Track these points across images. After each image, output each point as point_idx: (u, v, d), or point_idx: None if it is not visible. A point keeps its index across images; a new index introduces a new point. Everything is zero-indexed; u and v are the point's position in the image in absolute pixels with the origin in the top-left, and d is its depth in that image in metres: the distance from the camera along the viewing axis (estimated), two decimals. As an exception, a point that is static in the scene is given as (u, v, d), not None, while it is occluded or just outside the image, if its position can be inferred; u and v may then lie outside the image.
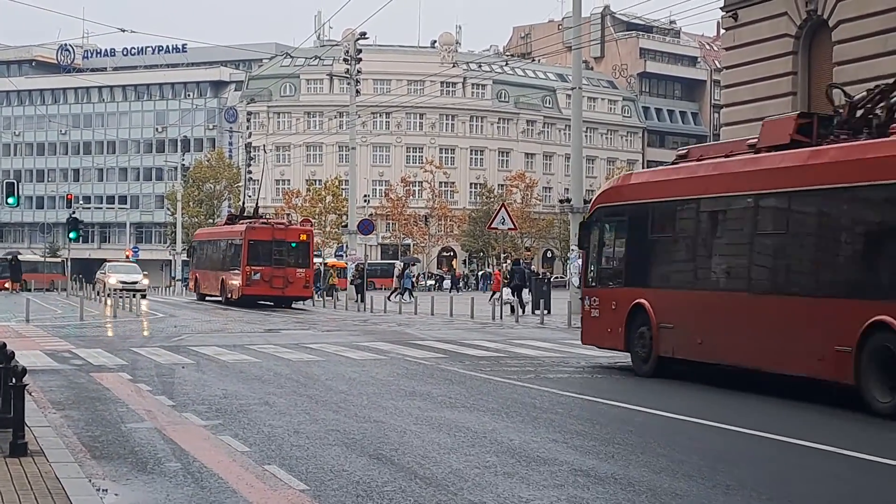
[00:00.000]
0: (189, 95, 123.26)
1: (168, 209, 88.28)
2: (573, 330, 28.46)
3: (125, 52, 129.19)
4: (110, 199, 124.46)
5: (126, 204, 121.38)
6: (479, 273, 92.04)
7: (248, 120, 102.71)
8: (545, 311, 34.70)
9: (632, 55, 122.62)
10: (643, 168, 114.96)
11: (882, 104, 15.31)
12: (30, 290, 67.16)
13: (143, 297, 53.19)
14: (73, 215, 55.22)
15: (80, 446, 11.04)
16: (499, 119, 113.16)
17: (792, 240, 15.86)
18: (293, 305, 45.69)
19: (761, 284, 16.28)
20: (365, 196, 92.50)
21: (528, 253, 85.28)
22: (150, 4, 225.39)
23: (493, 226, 37.49)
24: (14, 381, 10.33)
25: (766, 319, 15.82)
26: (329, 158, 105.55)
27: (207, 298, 50.94)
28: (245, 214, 51.34)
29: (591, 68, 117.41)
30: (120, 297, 42.65)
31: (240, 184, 78.75)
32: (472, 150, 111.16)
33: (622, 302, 19.20)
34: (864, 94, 15.69)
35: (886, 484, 9.95)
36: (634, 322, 18.76)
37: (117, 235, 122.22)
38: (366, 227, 51.55)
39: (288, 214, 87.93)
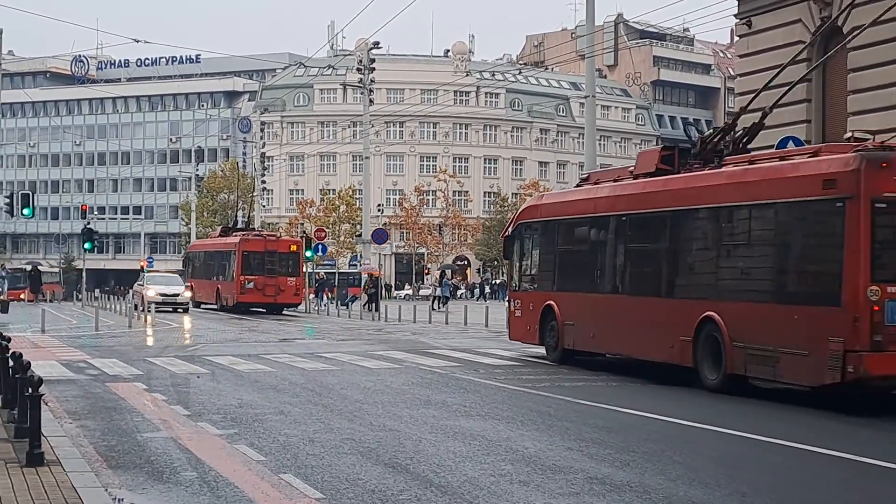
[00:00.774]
0: (203, 106, 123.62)
1: (182, 219, 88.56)
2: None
3: (139, 63, 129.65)
4: (125, 210, 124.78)
5: (140, 214, 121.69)
6: (496, 282, 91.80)
7: (262, 130, 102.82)
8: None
9: (645, 63, 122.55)
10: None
11: (727, 138, 19.21)
12: (50, 301, 67.36)
13: (185, 311, 47.02)
14: (88, 226, 55.40)
15: (97, 456, 11.07)
16: (512, 128, 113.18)
17: (651, 252, 19.76)
18: (284, 312, 48.94)
19: (631, 289, 20.03)
20: (379, 205, 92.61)
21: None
22: (163, 15, 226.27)
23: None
24: (30, 390, 10.36)
25: (635, 317, 19.54)
26: (343, 168, 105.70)
27: (202, 306, 52.95)
28: (238, 227, 55.25)
29: (605, 76, 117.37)
30: (158, 310, 42.11)
31: (254, 194, 78.96)
32: (485, 159, 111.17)
33: (536, 304, 23.03)
34: (712, 130, 19.95)
35: (904, 491, 9.90)
36: (546, 320, 22.55)
37: (132, 246, 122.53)
38: (380, 236, 51.61)
39: (302, 224, 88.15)
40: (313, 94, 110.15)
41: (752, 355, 16.34)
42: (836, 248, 15.00)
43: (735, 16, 31.31)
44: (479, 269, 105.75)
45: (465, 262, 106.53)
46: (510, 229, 25.27)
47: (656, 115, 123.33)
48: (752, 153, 18.62)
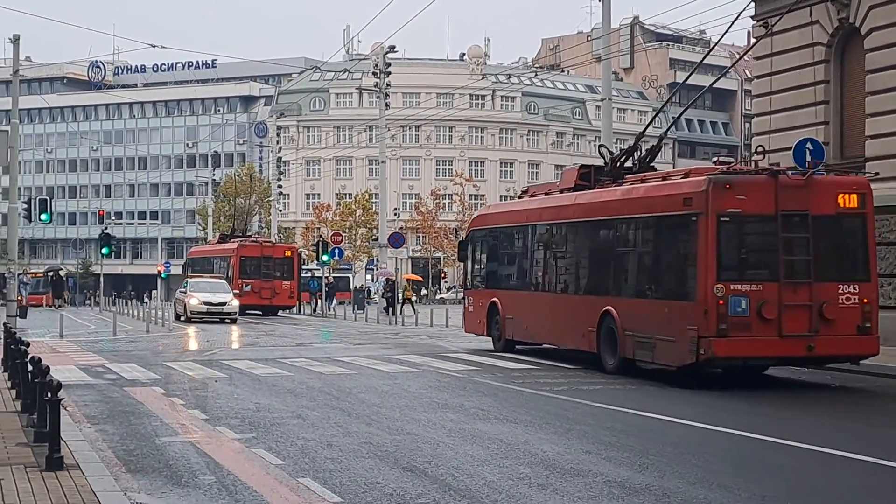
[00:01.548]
0: (219, 110, 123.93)
1: (199, 224, 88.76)
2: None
3: (155, 69, 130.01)
4: (142, 215, 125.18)
5: (157, 219, 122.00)
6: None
7: (278, 134, 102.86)
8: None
9: (661, 66, 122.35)
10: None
11: (634, 157, 22.70)
12: (75, 306, 67.55)
13: (234, 321, 42.50)
14: (106, 231, 55.53)
15: (115, 460, 11.10)
16: (528, 131, 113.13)
17: (567, 255, 23.47)
18: (279, 313, 51.86)
19: (553, 287, 23.64)
20: (395, 209, 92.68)
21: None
22: (179, 20, 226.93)
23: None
24: (49, 395, 10.39)
25: (556, 311, 23.12)
26: (359, 172, 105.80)
27: None
28: (236, 234, 58.32)
29: (621, 79, 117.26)
30: (204, 321, 40.63)
31: (270, 198, 79.17)
32: (501, 163, 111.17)
33: (484, 300, 26.67)
34: (619, 151, 23.48)
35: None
36: (492, 315, 26.17)
37: (149, 251, 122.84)
38: (396, 240, 51.61)
39: (318, 228, 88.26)
40: (329, 98, 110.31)
41: (638, 342, 19.59)
42: (691, 254, 18.30)
43: (752, 17, 31.22)
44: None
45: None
46: (464, 235, 29.02)
47: (672, 117, 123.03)
48: (647, 173, 21.83)
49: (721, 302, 17.47)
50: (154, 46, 55.55)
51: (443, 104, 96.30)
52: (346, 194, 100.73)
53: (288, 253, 53.58)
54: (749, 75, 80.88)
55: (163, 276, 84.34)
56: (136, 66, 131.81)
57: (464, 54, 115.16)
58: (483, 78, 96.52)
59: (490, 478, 10.04)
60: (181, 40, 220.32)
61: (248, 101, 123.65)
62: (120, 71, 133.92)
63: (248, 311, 49.30)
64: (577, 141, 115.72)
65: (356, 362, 22.70)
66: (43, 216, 37.29)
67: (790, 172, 18.60)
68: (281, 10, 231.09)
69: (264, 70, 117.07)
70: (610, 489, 9.53)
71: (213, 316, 42.24)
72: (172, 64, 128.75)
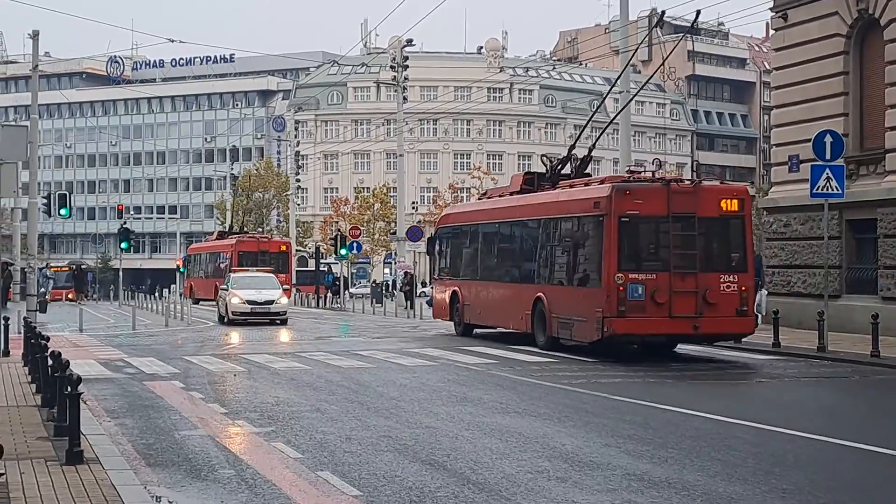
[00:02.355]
0: (237, 105, 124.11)
1: (217, 218, 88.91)
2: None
3: (174, 63, 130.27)
4: (160, 209, 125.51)
5: (176, 213, 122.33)
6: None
7: (296, 128, 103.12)
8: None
9: (680, 58, 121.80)
10: (692, 171, 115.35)
11: (568, 164, 27.10)
12: (97, 300, 67.79)
13: (284, 323, 36.76)
14: (125, 225, 55.65)
15: (135, 454, 11.13)
16: (546, 124, 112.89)
17: (510, 250, 27.42)
18: None
19: (500, 277, 27.38)
20: (413, 203, 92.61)
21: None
22: (197, 15, 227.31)
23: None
24: (69, 389, 10.42)
25: (502, 298, 26.87)
26: (377, 166, 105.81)
27: (201, 302, 55.40)
28: (234, 231, 62.12)
29: (639, 72, 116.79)
30: (248, 322, 35.94)
31: (289, 192, 79.29)
32: (519, 156, 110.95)
33: (448, 289, 30.34)
34: (559, 158, 27.62)
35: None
36: (454, 302, 29.73)
37: (167, 245, 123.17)
38: (414, 233, 51.64)
39: (336, 222, 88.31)
40: (347, 92, 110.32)
41: (561, 322, 23.17)
42: (599, 248, 21.80)
43: (771, 9, 31.09)
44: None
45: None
46: (433, 232, 33.22)
47: (691, 109, 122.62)
48: (579, 179, 25.53)
49: (621, 288, 21.02)
50: (172, 41, 55.82)
51: (460, 97, 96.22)
52: (363, 188, 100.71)
53: (283, 248, 57.59)
54: (768, 67, 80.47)
55: (181, 270, 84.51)
56: (155, 61, 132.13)
57: (481, 47, 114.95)
58: (501, 71, 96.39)
59: (509, 471, 10.03)
60: (199, 35, 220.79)
61: (265, 95, 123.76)
62: (138, 66, 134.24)
63: None
64: (595, 133, 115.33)
65: (375, 356, 22.71)
66: (62, 211, 37.43)
67: (680, 182, 22.65)
68: (298, 4, 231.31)
69: (282, 64, 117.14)
70: (629, 482, 9.50)
71: (259, 317, 36.31)
72: (190, 58, 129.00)
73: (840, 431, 12.32)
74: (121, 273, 66.03)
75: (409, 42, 55.11)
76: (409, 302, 48.07)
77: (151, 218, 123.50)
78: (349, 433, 12.33)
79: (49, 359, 13.16)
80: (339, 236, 56.94)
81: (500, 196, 28.81)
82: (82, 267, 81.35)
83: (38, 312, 33.01)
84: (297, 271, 67.80)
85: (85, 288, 72.28)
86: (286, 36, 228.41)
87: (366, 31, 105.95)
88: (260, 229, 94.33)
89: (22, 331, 23.29)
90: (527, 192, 26.58)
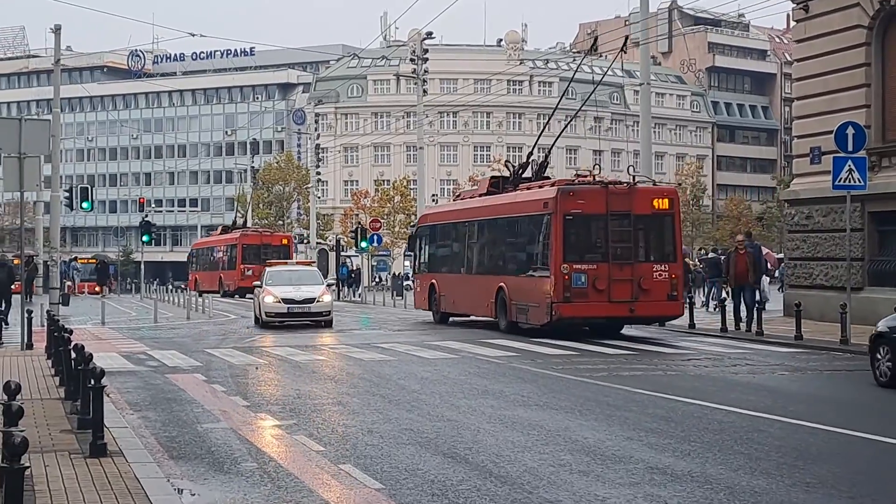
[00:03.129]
0: (257, 98, 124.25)
1: (238, 211, 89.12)
2: (644, 327, 28.26)
3: (194, 57, 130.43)
4: (181, 202, 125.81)
5: (197, 206, 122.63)
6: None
7: (316, 121, 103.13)
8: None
9: (700, 49, 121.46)
10: (713, 163, 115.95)
11: (529, 168, 30.82)
12: (118, 293, 68.09)
13: (328, 325, 30.54)
14: (146, 219, 55.81)
15: (158, 447, 11.17)
16: (566, 116, 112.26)
17: (477, 245, 30.08)
18: None
19: (468, 270, 30.26)
20: (433, 195, 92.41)
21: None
22: (217, 9, 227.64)
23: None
24: (93, 382, 10.47)
25: (471, 289, 29.60)
26: (397, 158, 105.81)
27: (204, 294, 55.28)
28: (237, 226, 64.84)
29: (659, 63, 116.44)
30: (285, 323, 30.63)
31: (309, 185, 79.40)
32: (539, 148, 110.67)
33: (426, 282, 33.17)
34: (521, 163, 30.99)
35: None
36: (431, 293, 32.48)
37: (188, 238, 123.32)
38: (434, 226, 51.51)
39: (357, 215, 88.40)
40: (367, 85, 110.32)
41: (519, 308, 26.30)
42: (548, 243, 24.92)
43: (792, 0, 30.94)
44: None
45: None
46: (413, 230, 36.69)
47: (711, 101, 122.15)
48: (539, 181, 28.54)
49: (566, 277, 24.16)
50: (193, 35, 55.86)
51: (480, 90, 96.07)
52: (384, 181, 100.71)
53: (284, 241, 60.39)
54: (789, 58, 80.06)
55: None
56: (175, 55, 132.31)
57: (501, 40, 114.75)
58: (521, 63, 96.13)
59: (531, 464, 10.03)
60: (219, 29, 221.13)
61: (286, 88, 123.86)
62: (159, 60, 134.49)
63: (248, 295, 52.72)
64: (615, 126, 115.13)
65: (395, 348, 22.74)
66: (84, 204, 37.59)
67: (617, 184, 25.68)
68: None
69: (302, 57, 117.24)
70: (652, 475, 9.49)
71: (299, 318, 30.52)
72: (211, 52, 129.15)
73: (864, 425, 12.26)
74: (142, 266, 66.20)
75: (429, 35, 55.07)
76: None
77: (172, 211, 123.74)
78: (371, 426, 12.36)
79: (72, 352, 13.23)
80: (359, 229, 56.97)
81: (470, 197, 32.11)
82: (104, 260, 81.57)
83: (60, 305, 33.16)
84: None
85: (108, 281, 72.51)
86: (306, 29, 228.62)
87: (385, 24, 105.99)
88: (280, 222, 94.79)
89: (45, 324, 23.41)
90: (492, 193, 29.80)
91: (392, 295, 54.11)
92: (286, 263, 38.26)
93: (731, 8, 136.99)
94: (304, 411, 13.64)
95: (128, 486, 8.77)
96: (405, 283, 56.40)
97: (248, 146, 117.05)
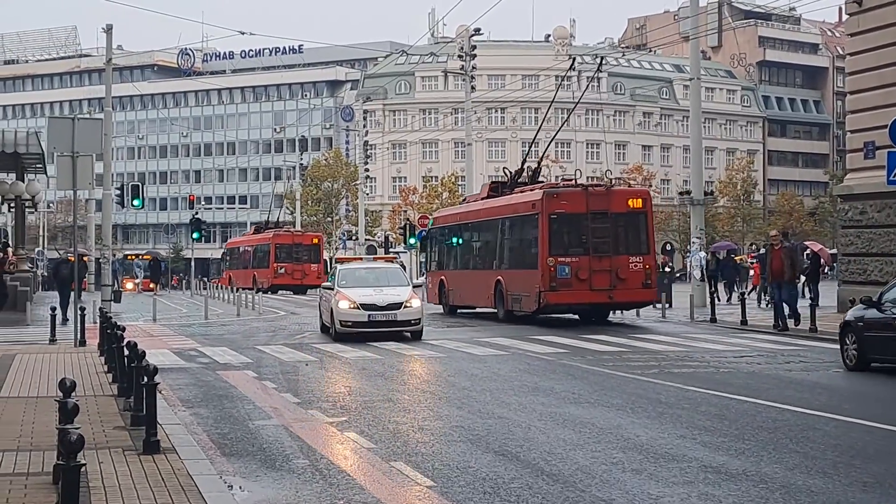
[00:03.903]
0: (306, 95, 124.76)
1: (287, 208, 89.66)
2: (696, 324, 28.07)
3: (243, 55, 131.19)
4: (231, 199, 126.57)
5: (246, 204, 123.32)
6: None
7: (365, 118, 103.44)
8: (667, 305, 34.28)
9: (750, 44, 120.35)
10: (763, 158, 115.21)
11: (525, 174, 33.79)
12: (169, 290, 68.79)
13: (418, 336, 24.77)
14: (196, 216, 56.20)
15: (210, 443, 11.21)
16: (615, 112, 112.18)
17: (480, 243, 33.78)
18: (307, 292, 56.13)
19: (473, 266, 33.78)
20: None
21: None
22: (266, 7, 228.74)
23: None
24: (146, 379, 10.52)
25: (474, 283, 32.73)
26: (445, 155, 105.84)
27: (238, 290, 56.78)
28: (269, 226, 66.91)
29: (709, 58, 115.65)
30: (360, 332, 24.47)
31: (357, 182, 79.61)
32: (588, 144, 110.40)
33: (437, 278, 36.63)
34: (516, 170, 33.99)
35: None
36: (441, 289, 35.78)
37: (238, 234, 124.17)
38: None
39: (405, 211, 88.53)
40: (415, 81, 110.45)
41: (513, 298, 29.51)
42: (536, 239, 28.12)
43: (845, -7, 30.56)
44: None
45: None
46: (425, 232, 41.18)
47: (762, 96, 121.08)
48: (532, 185, 31.67)
49: (552, 269, 27.38)
50: (242, 33, 56.46)
51: (528, 86, 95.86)
52: (432, 177, 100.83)
53: (315, 240, 62.80)
54: (841, 52, 79.23)
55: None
56: (225, 53, 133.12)
57: (549, 35, 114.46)
58: (569, 59, 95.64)
59: (583, 462, 9.96)
60: (268, 26, 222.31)
61: (334, 85, 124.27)
62: (209, 58, 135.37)
63: (281, 291, 58.32)
64: (665, 121, 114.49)
65: (445, 345, 22.71)
66: (135, 202, 37.93)
67: (596, 186, 29.16)
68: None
69: (350, 55, 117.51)
70: (706, 474, 9.39)
71: (382, 328, 24.57)
72: (260, 50, 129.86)
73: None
74: (192, 263, 66.68)
75: (477, 31, 54.98)
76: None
77: (222, 208, 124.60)
78: (421, 423, 12.34)
79: (125, 349, 13.31)
80: (407, 225, 57.07)
81: (474, 201, 35.68)
82: (157, 257, 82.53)
83: (112, 302, 33.43)
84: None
85: (158, 278, 73.31)
86: (354, 26, 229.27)
87: (433, 20, 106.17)
88: (329, 219, 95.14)
89: (97, 321, 23.61)
90: (492, 197, 33.15)
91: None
92: (360, 260, 31.70)
93: (783, 2, 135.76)
94: (354, 408, 13.64)
95: (181, 482, 8.81)
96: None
97: (297, 143, 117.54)
